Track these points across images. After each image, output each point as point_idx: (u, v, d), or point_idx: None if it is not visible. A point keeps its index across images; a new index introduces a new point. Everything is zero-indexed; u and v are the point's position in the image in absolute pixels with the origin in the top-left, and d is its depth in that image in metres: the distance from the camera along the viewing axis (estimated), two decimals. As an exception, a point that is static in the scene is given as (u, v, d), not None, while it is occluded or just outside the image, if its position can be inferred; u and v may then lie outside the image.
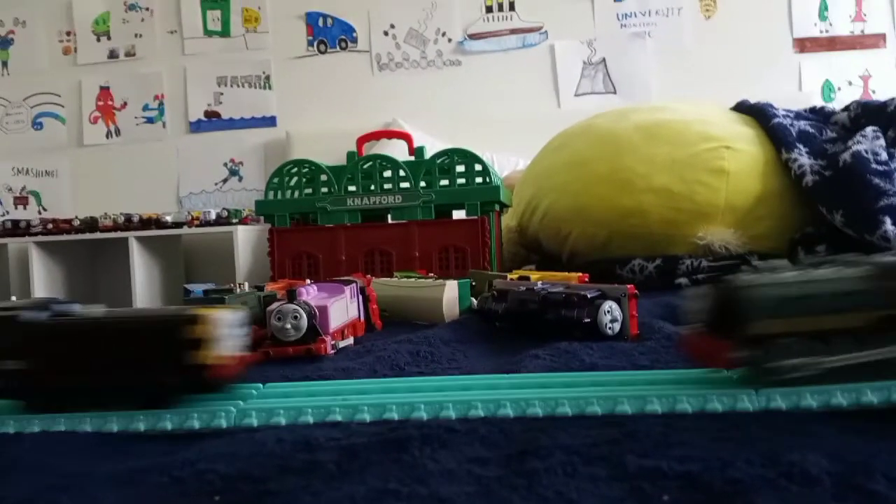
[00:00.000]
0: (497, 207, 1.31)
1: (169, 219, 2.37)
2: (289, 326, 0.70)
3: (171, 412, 0.49)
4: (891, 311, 0.46)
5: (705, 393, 0.46)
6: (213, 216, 2.37)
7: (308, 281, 0.81)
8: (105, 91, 2.95)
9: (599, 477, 0.37)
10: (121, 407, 0.50)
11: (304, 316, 0.70)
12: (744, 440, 0.41)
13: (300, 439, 0.44)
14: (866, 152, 1.26)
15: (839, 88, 2.80)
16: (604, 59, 2.83)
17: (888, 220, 1.17)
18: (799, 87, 2.80)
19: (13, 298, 0.82)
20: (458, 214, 1.33)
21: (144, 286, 2.39)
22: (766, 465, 0.36)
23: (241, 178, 2.91)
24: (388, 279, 0.95)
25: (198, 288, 0.83)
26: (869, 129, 1.33)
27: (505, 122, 2.66)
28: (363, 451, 0.42)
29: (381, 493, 0.36)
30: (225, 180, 2.92)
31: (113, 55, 2.94)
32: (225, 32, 2.91)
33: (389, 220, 1.34)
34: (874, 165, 1.24)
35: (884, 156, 1.27)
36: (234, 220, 2.37)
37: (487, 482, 0.37)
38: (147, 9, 2.93)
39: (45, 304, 0.54)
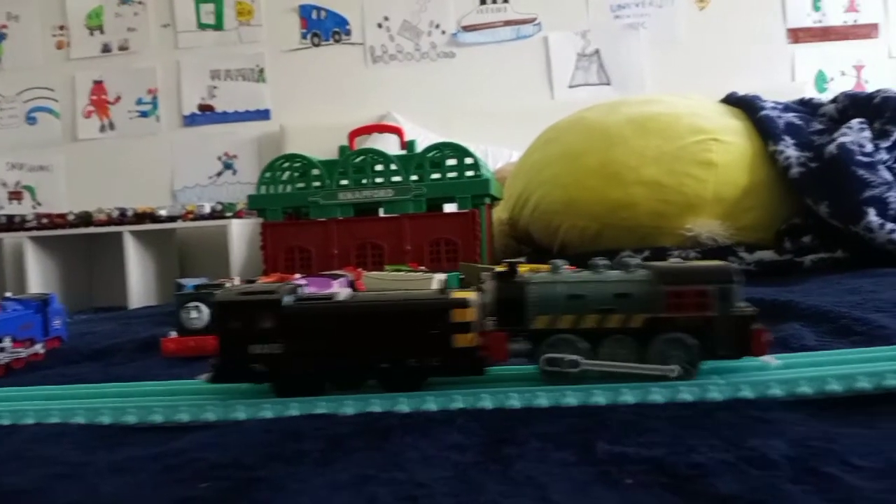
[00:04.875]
0: (488, 200, 1.32)
1: (163, 213, 2.39)
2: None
3: (160, 406, 0.51)
4: (655, 313, 0.50)
5: (676, 384, 0.48)
6: (207, 210, 2.39)
7: (297, 275, 0.83)
8: (99, 85, 2.95)
9: (569, 462, 0.38)
10: (375, 388, 0.52)
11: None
12: (710, 427, 0.42)
13: (286, 430, 0.46)
14: (852, 144, 1.27)
15: (832, 79, 2.81)
16: (597, 51, 2.84)
17: (872, 211, 1.19)
18: (792, 77, 2.81)
19: (7, 294, 0.83)
20: (450, 208, 1.34)
21: (139, 280, 2.41)
22: (729, 450, 0.38)
23: (235, 172, 2.92)
24: (379, 273, 0.97)
25: (190, 282, 0.85)
26: (855, 121, 1.34)
27: (499, 114, 2.67)
28: (347, 440, 0.44)
29: (363, 478, 0.38)
30: (219, 174, 2.93)
31: (106, 49, 2.94)
32: (218, 26, 2.91)
33: (381, 214, 1.36)
34: (859, 157, 1.25)
35: (869, 147, 1.28)
36: (229, 214, 2.38)
37: (464, 468, 0.39)
38: (140, 2, 2.93)
39: (294, 288, 0.55)
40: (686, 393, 0.48)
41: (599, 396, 0.48)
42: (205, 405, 0.51)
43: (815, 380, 0.47)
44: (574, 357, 0.50)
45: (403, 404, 0.49)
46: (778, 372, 0.50)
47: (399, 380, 0.52)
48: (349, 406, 0.49)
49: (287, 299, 0.52)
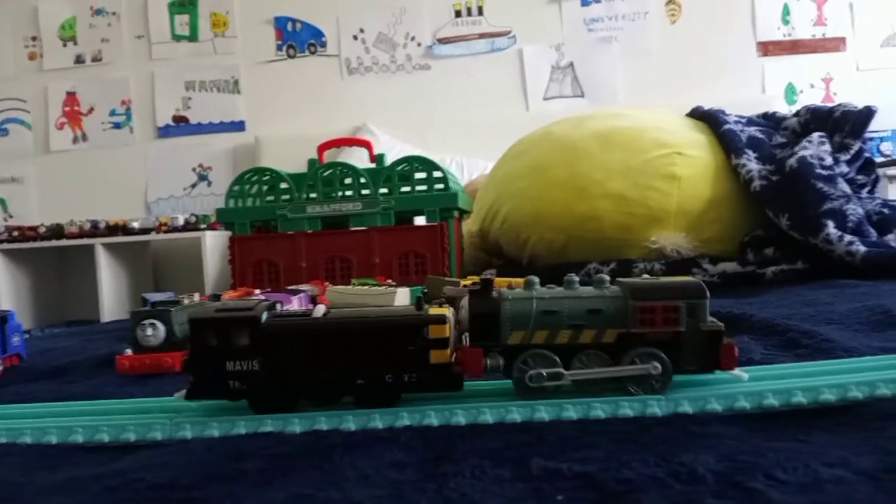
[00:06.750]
0: (456, 213, 1.33)
1: (136, 225, 2.37)
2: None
3: (108, 425, 0.51)
4: (627, 329, 0.51)
5: (618, 399, 0.49)
6: (180, 222, 2.37)
7: (257, 291, 0.83)
8: (72, 96, 2.93)
9: (504, 479, 0.39)
10: (352, 405, 0.52)
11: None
12: (646, 442, 0.43)
13: (230, 449, 0.46)
14: (812, 157, 1.30)
15: (801, 91, 2.87)
16: (571, 63, 2.87)
17: (831, 224, 1.21)
18: (762, 89, 2.86)
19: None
20: (419, 221, 1.35)
21: (112, 293, 2.38)
22: (659, 465, 0.39)
23: (209, 184, 2.91)
24: (342, 287, 0.97)
25: (153, 297, 0.85)
26: (815, 135, 1.37)
27: (474, 126, 2.69)
28: (289, 459, 0.44)
29: (299, 497, 0.38)
30: (193, 185, 2.92)
31: (79, 60, 2.92)
32: (193, 37, 2.91)
33: (351, 228, 1.36)
34: (819, 170, 1.28)
35: (829, 161, 1.31)
36: (202, 226, 2.37)
37: (400, 486, 0.39)
38: (114, 13, 2.91)
39: (272, 304, 0.55)
40: (627, 408, 0.48)
41: (543, 412, 0.49)
42: (153, 424, 0.51)
43: (754, 394, 0.48)
44: (557, 370, 0.51)
45: (349, 422, 0.49)
46: (718, 387, 0.51)
47: (375, 396, 0.52)
48: (296, 424, 0.49)
49: (264, 316, 0.53)
